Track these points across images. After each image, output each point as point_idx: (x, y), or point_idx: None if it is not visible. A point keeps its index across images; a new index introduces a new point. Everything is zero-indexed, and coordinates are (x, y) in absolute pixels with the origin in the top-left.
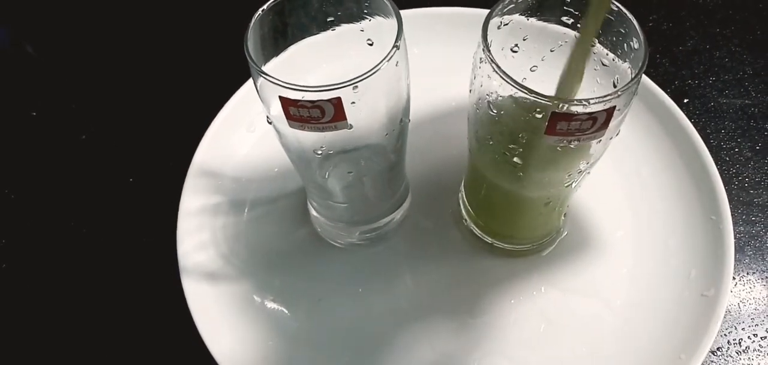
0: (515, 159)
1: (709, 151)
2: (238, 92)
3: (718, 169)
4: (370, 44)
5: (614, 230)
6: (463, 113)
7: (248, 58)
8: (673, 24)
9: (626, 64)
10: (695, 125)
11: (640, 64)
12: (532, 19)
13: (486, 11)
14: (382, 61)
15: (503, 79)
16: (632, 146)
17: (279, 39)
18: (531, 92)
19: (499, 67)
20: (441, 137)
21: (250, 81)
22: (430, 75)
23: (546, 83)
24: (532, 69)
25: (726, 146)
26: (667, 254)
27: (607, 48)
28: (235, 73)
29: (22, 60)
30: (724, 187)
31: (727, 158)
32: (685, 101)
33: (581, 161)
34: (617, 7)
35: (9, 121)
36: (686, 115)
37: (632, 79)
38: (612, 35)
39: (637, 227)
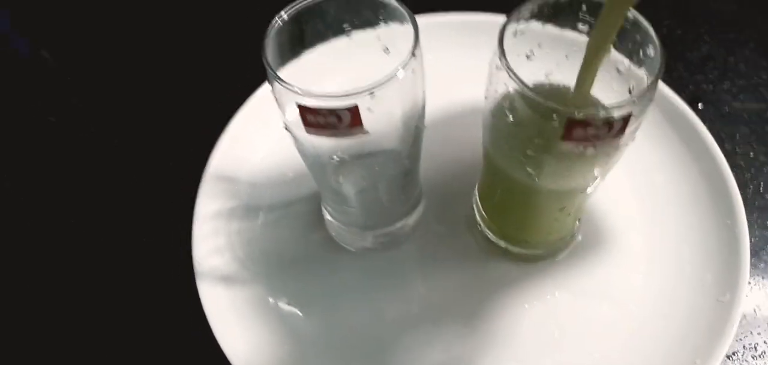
0: (530, 167)
1: (724, 156)
2: (253, 96)
3: (733, 174)
4: (386, 51)
5: (628, 236)
6: (477, 119)
7: (267, 66)
8: (687, 29)
9: (642, 71)
10: (710, 129)
11: (657, 72)
12: (548, 26)
13: (500, 17)
14: (398, 68)
15: (520, 86)
16: (646, 151)
17: (296, 46)
18: (547, 98)
19: (516, 75)
20: (455, 143)
21: (265, 85)
22: (444, 81)
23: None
24: (548, 75)
25: (741, 151)
26: (682, 260)
27: (623, 55)
28: (250, 77)
29: (39, 66)
30: (739, 192)
31: (742, 163)
32: (700, 105)
33: (597, 168)
34: (633, 15)
35: (26, 126)
36: (700, 120)
37: (649, 86)
38: (628, 43)
39: (651, 233)
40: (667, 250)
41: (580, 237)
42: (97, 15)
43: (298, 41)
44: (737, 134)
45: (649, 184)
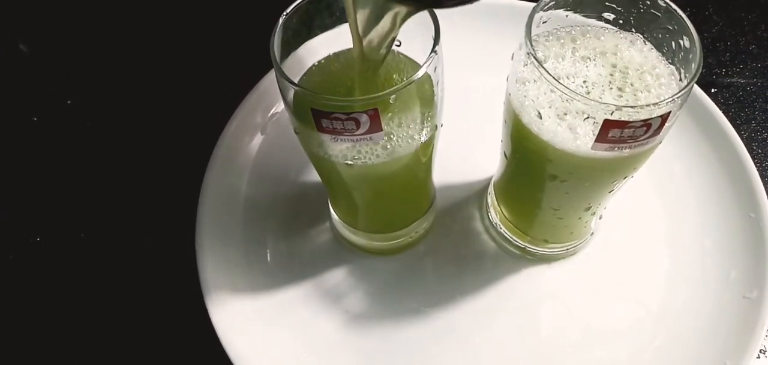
0: (557, 167)
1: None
2: (250, 94)
3: None
4: (398, 45)
5: (648, 231)
6: (491, 113)
7: (276, 67)
8: (696, 9)
9: (673, 66)
10: (725, 115)
11: (697, 66)
12: (574, 15)
13: (514, 2)
14: (421, 68)
15: (552, 84)
16: (663, 142)
17: (303, 42)
18: (585, 98)
19: (547, 70)
20: (468, 139)
21: (262, 82)
22: (456, 72)
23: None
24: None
25: (757, 137)
26: (704, 255)
27: (652, 45)
28: (248, 73)
29: (18, 60)
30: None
31: (760, 151)
32: (713, 90)
33: (627, 168)
34: (665, 3)
35: (9, 124)
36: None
37: (690, 81)
38: (657, 33)
39: (671, 228)
40: (689, 245)
41: (599, 233)
42: (78, 8)
43: (305, 36)
44: (753, 121)
45: (667, 177)
